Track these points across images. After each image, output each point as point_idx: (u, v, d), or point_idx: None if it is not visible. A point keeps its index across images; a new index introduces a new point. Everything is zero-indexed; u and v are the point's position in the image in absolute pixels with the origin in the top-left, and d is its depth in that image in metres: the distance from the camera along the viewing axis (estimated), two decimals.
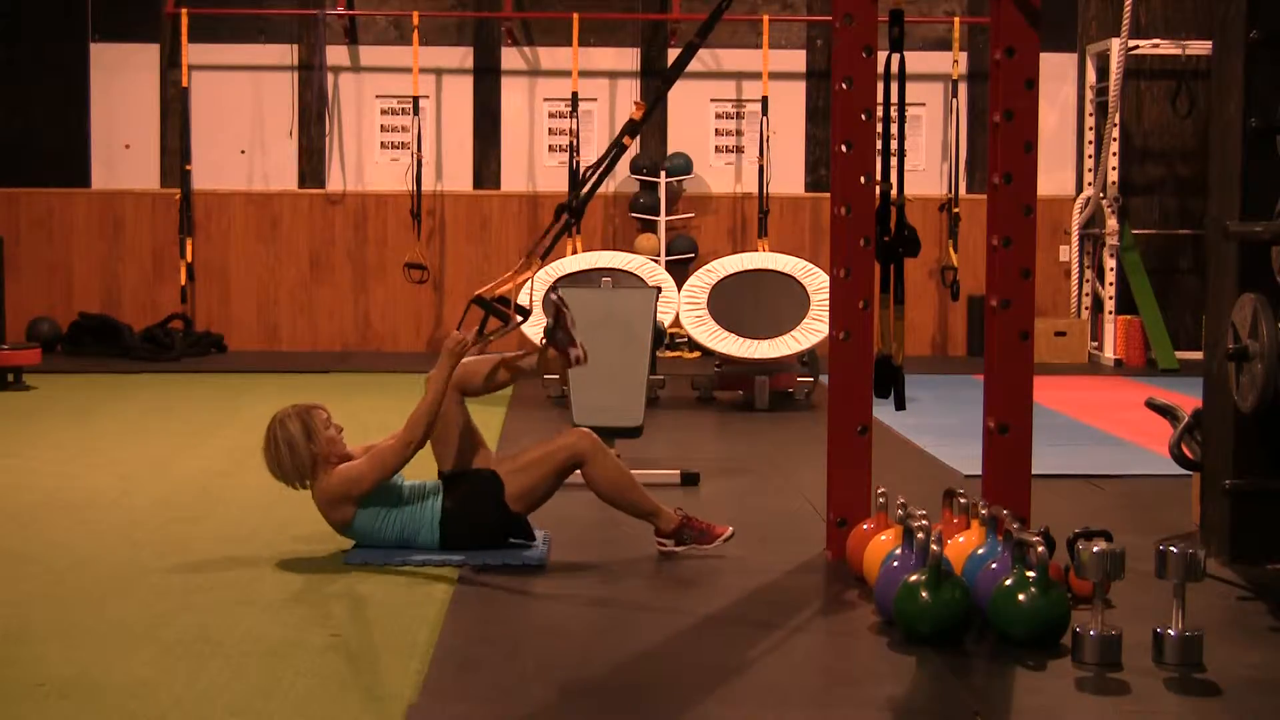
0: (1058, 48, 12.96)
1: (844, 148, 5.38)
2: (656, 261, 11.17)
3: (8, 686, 4.04)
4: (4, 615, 4.74)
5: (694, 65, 13.71)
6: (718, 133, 13.30)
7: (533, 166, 13.29)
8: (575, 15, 12.75)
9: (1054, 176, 13.02)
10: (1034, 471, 5.26)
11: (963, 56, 13.06)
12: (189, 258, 12.82)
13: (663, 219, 12.92)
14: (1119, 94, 12.32)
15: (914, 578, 4.45)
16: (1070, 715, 3.97)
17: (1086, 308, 13.04)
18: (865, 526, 5.14)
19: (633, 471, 5.63)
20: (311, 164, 13.24)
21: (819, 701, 4.08)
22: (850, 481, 5.43)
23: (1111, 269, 12.71)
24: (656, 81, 13.16)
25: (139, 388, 10.68)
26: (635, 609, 4.91)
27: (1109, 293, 12.70)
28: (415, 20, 12.85)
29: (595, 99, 13.19)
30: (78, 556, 5.51)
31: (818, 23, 13.16)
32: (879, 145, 5.33)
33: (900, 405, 5.28)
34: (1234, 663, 4.31)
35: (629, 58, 13.30)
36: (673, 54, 13.20)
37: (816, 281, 9.78)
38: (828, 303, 5.70)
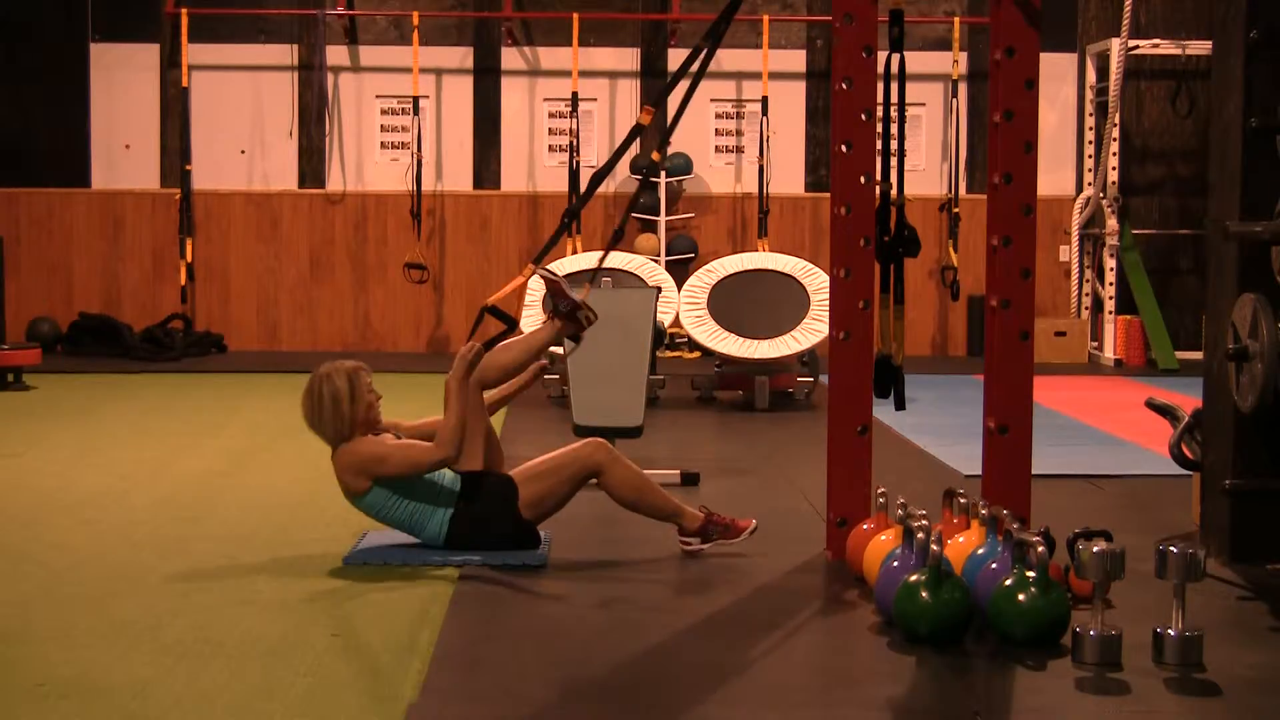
0: (1058, 48, 12.96)
1: (844, 148, 5.38)
2: (656, 261, 11.16)
3: (8, 686, 4.04)
4: (4, 615, 4.74)
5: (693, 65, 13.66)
6: (718, 133, 13.29)
7: (533, 166, 13.29)
8: (575, 15, 12.75)
9: (1054, 176, 13.02)
10: (1034, 471, 5.27)
11: (963, 56, 13.06)
12: (189, 258, 12.82)
13: (663, 219, 12.92)
14: (1119, 94, 12.32)
15: (914, 578, 4.45)
16: (1070, 715, 3.97)
17: (1086, 308, 13.04)
18: (865, 526, 5.14)
19: None
20: (311, 164, 13.24)
21: (819, 701, 4.08)
22: (850, 481, 5.43)
23: (1111, 269, 12.71)
24: (658, 82, 13.18)
25: (139, 388, 10.68)
26: (635, 609, 4.91)
27: (1109, 293, 12.70)
28: (415, 20, 12.85)
29: (595, 99, 13.19)
30: (78, 556, 5.51)
31: (818, 23, 13.16)
32: (879, 145, 5.33)
33: (900, 405, 5.29)
34: (1234, 663, 4.31)
35: (629, 58, 13.29)
36: (673, 54, 13.21)
37: (816, 281, 9.77)
38: (828, 303, 5.70)
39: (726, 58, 13.14)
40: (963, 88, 13.04)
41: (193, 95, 12.93)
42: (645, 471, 5.64)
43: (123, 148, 13.17)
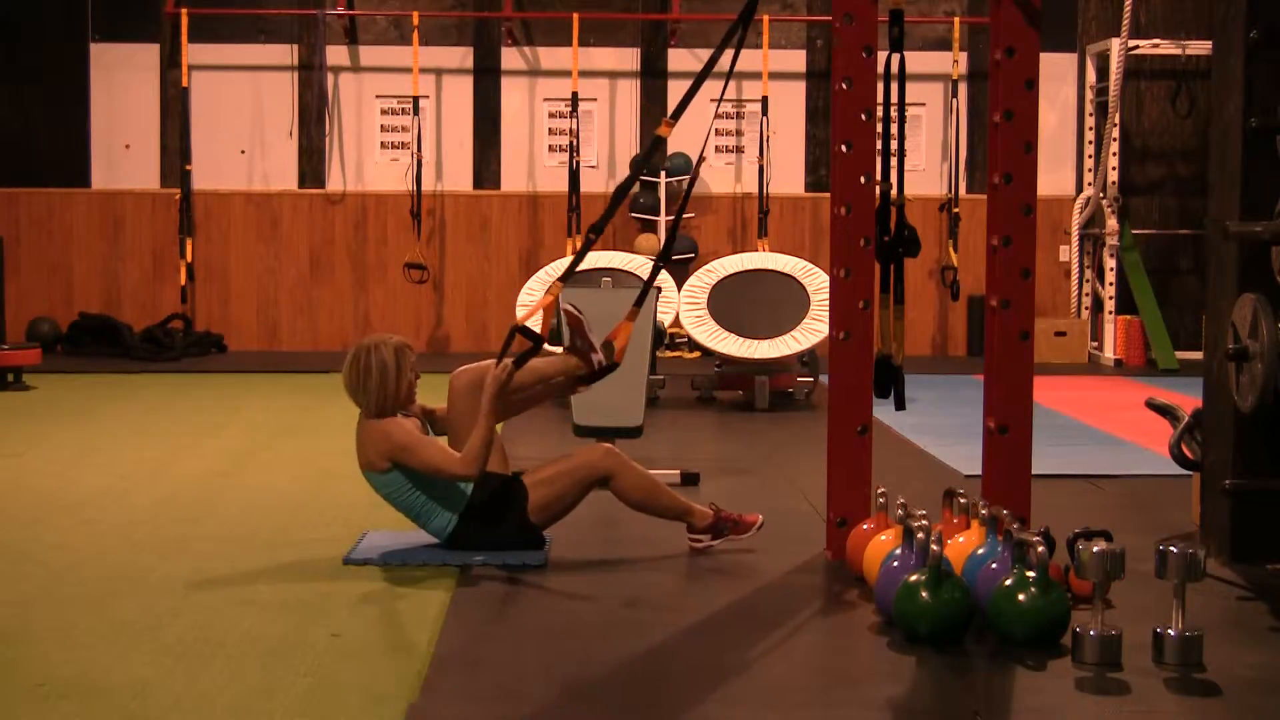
0: (1058, 48, 12.96)
1: (844, 148, 5.38)
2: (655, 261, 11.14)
3: (8, 686, 4.04)
4: (4, 615, 4.74)
5: (694, 65, 13.74)
6: (718, 133, 13.29)
7: (533, 166, 13.29)
8: (575, 15, 12.75)
9: (1054, 176, 13.02)
10: (1034, 471, 5.27)
11: (963, 56, 13.06)
12: (189, 258, 12.82)
13: (663, 219, 12.92)
14: (1119, 94, 12.32)
15: (914, 578, 4.45)
16: (1070, 715, 3.97)
17: (1086, 308, 13.04)
18: (865, 526, 5.14)
19: None
20: (311, 164, 13.24)
21: (819, 701, 4.08)
22: (850, 481, 5.43)
23: (1111, 269, 12.71)
24: (658, 81, 13.18)
25: (139, 388, 10.68)
26: (635, 609, 4.91)
27: (1109, 293, 12.70)
28: (415, 20, 12.85)
29: (595, 99, 13.19)
30: (78, 556, 5.51)
31: (818, 23, 13.16)
32: (879, 145, 5.33)
33: (900, 405, 5.28)
34: (1234, 663, 4.31)
35: (629, 58, 13.29)
36: (673, 54, 13.21)
37: (816, 281, 9.78)
38: (828, 303, 5.70)
39: (726, 58, 13.12)
40: (963, 88, 13.04)
41: (193, 95, 12.93)
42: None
43: (123, 148, 13.17)
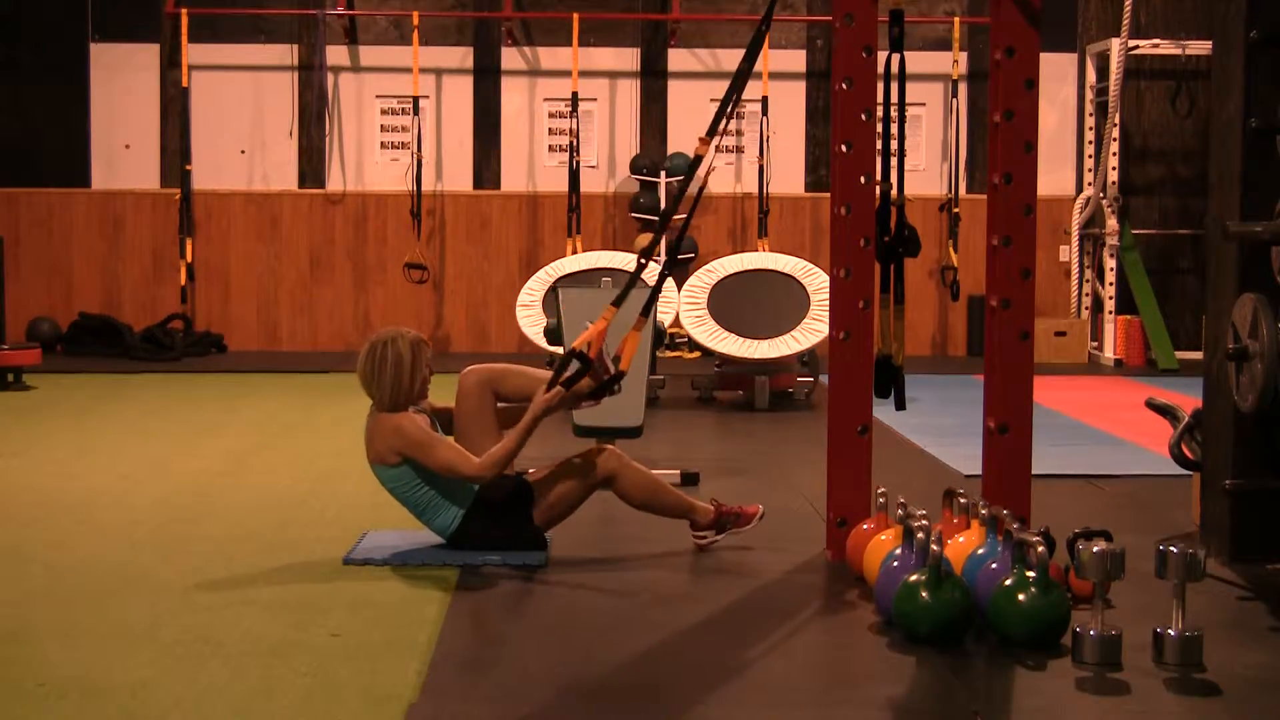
0: (1058, 48, 12.96)
1: (844, 148, 5.38)
2: (657, 261, 11.15)
3: (8, 686, 4.04)
4: (4, 615, 4.74)
5: (693, 65, 13.75)
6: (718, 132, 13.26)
7: (533, 166, 13.29)
8: (575, 15, 12.75)
9: (1054, 176, 13.02)
10: (1034, 471, 5.27)
11: (963, 56, 13.05)
12: (189, 258, 12.82)
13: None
14: (1119, 94, 12.32)
15: (914, 578, 4.45)
16: (1070, 715, 3.97)
17: (1086, 308, 13.04)
18: (865, 526, 5.14)
19: None
20: (311, 164, 13.24)
21: (819, 701, 4.08)
22: (850, 481, 5.43)
23: (1111, 269, 12.71)
24: (658, 81, 13.18)
25: (139, 388, 10.68)
26: (635, 609, 4.91)
27: (1109, 293, 12.70)
28: (415, 20, 12.85)
29: (595, 99, 13.19)
30: (78, 556, 5.51)
31: (818, 23, 13.15)
32: (879, 145, 5.33)
33: (900, 405, 5.29)
34: (1234, 663, 4.30)
35: (629, 58, 13.29)
36: (673, 54, 13.21)
37: (816, 281, 9.77)
38: (828, 303, 5.70)
39: (727, 58, 13.14)
40: (963, 88, 13.04)
41: (193, 95, 12.93)
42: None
43: (123, 148, 13.17)
